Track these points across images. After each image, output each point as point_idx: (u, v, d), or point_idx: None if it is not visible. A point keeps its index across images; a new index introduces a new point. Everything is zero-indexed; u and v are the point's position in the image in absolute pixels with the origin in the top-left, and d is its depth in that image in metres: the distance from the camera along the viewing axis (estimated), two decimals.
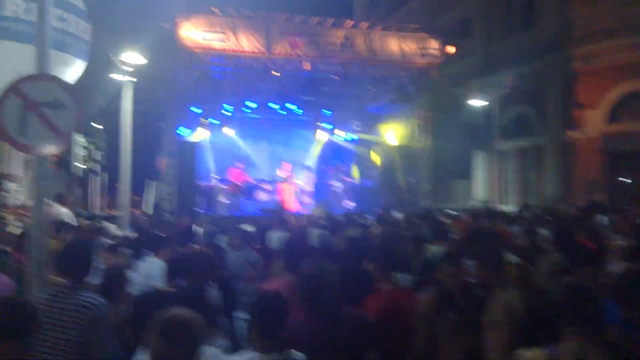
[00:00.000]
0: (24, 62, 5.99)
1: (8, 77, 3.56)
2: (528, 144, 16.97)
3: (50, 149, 3.53)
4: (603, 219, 8.10)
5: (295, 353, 2.48)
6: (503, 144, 16.73)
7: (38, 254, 3.35)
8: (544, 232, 6.04)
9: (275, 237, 6.98)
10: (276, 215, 10.40)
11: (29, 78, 3.51)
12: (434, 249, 5.13)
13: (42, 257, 3.38)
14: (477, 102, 15.55)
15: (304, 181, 17.83)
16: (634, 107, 14.56)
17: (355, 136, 19.59)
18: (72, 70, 9.57)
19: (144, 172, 14.11)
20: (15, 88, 3.40)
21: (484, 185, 18.22)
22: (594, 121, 14.89)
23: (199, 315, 2.30)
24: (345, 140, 19.69)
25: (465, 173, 17.38)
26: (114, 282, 3.72)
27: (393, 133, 18.04)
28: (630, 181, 14.68)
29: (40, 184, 3.47)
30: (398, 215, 9.88)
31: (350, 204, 17.06)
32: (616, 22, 14.33)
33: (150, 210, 14.93)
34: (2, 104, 3.36)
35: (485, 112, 15.48)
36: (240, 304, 4.96)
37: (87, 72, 10.25)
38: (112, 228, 8.50)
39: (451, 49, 15.61)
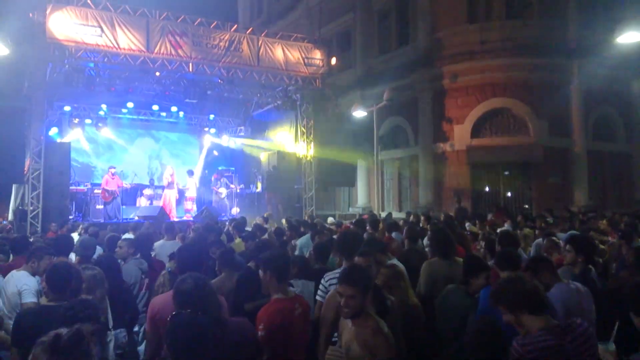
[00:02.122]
0: None
1: None
2: (404, 154, 18.08)
3: None
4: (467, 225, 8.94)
5: None
6: (382, 154, 17.64)
7: None
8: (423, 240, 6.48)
9: (162, 247, 6.71)
10: (159, 222, 9.99)
11: None
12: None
13: None
14: (358, 113, 16.24)
15: (187, 186, 17.28)
16: (493, 123, 16.20)
17: (241, 141, 19.45)
18: None
19: (6, 174, 12.78)
20: None
21: (365, 193, 19.07)
22: (460, 135, 16.29)
23: (89, 329, 2.15)
24: (232, 145, 19.48)
25: (349, 181, 18.07)
26: None
27: (278, 139, 18.23)
28: (488, 189, 16.29)
29: None
30: (285, 221, 10.00)
31: (235, 211, 16.88)
32: (478, 46, 15.85)
33: (11, 217, 13.53)
34: None
35: (366, 123, 16.23)
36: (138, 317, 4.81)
37: None
38: None
39: (333, 60, 16.19)
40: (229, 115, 18.84)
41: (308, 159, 16.59)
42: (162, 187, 16.51)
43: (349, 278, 3.10)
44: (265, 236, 7.74)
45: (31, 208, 12.40)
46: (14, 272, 4.35)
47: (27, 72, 13.10)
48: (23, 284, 4.19)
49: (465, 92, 16.33)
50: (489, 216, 10.48)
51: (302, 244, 7.21)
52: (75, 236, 6.91)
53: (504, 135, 15.96)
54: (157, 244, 7.08)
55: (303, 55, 15.35)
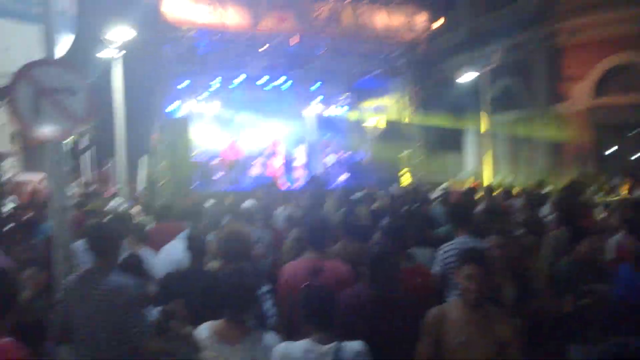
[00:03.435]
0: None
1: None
2: (516, 117, 17.14)
3: (64, 135, 3.54)
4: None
5: (350, 343, 2.53)
6: (492, 117, 16.89)
7: (62, 239, 3.39)
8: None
9: (280, 214, 7.05)
10: (272, 191, 10.43)
11: (39, 63, 3.48)
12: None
13: (65, 241, 3.42)
14: (465, 76, 15.61)
15: (296, 156, 17.84)
16: (619, 80, 14.77)
17: (345, 110, 19.58)
18: (59, 45, 9.38)
19: (136, 148, 13.99)
20: (25, 74, 3.37)
21: (474, 159, 18.44)
22: (581, 94, 15.08)
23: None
24: (337, 114, 19.67)
25: (457, 146, 17.57)
26: (134, 262, 3.80)
27: (383, 107, 18.08)
28: (613, 152, 15.02)
29: (57, 169, 3.48)
30: (395, 188, 10.01)
31: (343, 178, 17.14)
32: None
33: (144, 186, 14.89)
34: (14, 90, 3.35)
35: (474, 86, 15.58)
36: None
37: (74, 48, 10.07)
38: (114, 204, 8.51)
39: (438, 23, 15.59)
40: (333, 85, 18.95)
41: (414, 125, 16.32)
42: (269, 156, 17.21)
43: (478, 257, 2.79)
44: (376, 205, 7.86)
45: (159, 178, 13.59)
46: (173, 242, 4.85)
47: (149, 53, 14.11)
48: (176, 250, 4.65)
49: (585, 48, 14.99)
50: (617, 182, 9.70)
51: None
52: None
53: (631, 93, 14.52)
54: (276, 211, 7.43)
55: (406, 20, 14.95)
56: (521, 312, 3.11)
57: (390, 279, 3.10)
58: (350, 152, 18.25)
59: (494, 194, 8.10)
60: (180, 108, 16.78)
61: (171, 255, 4.68)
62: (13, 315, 2.51)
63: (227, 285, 2.80)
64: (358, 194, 8.84)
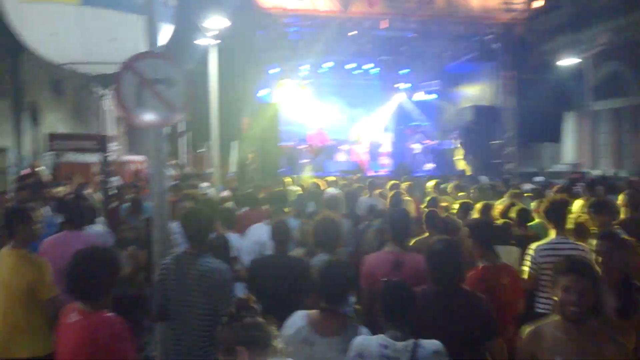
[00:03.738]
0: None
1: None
2: (623, 104, 15.81)
3: (164, 123, 3.77)
4: None
5: (427, 342, 2.50)
6: (595, 105, 15.70)
7: (160, 221, 3.64)
8: None
9: (363, 202, 7.07)
10: (358, 177, 10.45)
11: (143, 56, 3.73)
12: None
13: (163, 222, 3.67)
14: (566, 60, 14.59)
15: (382, 142, 17.72)
16: None
17: (434, 96, 19.08)
18: (160, 35, 9.88)
19: (227, 132, 14.54)
20: (131, 66, 3.62)
21: (574, 148, 17.29)
22: None
23: None
24: (424, 100, 19.24)
25: (553, 135, 16.53)
26: (221, 244, 3.99)
27: (474, 92, 17.39)
28: None
29: (156, 154, 3.73)
30: (485, 179, 9.64)
31: (430, 166, 16.81)
32: None
33: (236, 169, 15.48)
34: (120, 80, 3.61)
35: (576, 71, 14.51)
36: None
37: (174, 37, 10.57)
38: (206, 188, 8.94)
39: (538, 3, 14.65)
40: (423, 69, 18.53)
41: (508, 112, 15.55)
42: (355, 143, 17.23)
43: (583, 267, 2.47)
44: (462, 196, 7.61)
45: (248, 163, 14.10)
46: (256, 224, 5.06)
47: (241, 40, 14.56)
48: (262, 235, 4.83)
49: None
50: None
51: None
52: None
53: None
54: (361, 199, 7.46)
55: (503, 0, 14.21)
56: (626, 328, 2.85)
57: (451, 276, 3.00)
58: (438, 140, 17.82)
59: (594, 189, 7.55)
60: (270, 94, 17.22)
61: (256, 237, 4.85)
62: (116, 291, 2.71)
63: (325, 275, 2.79)
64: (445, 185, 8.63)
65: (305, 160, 16.53)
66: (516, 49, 15.31)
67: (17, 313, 3.59)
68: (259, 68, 15.30)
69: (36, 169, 12.35)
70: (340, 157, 17.23)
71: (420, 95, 19.20)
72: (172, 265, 3.39)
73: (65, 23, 6.80)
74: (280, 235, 4.09)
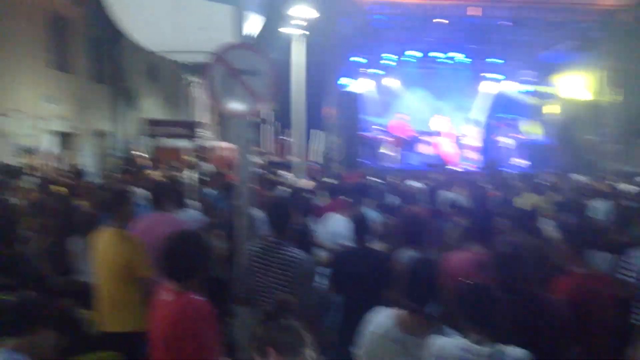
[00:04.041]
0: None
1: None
2: None
3: (249, 112, 3.88)
4: None
5: (513, 350, 2.38)
6: None
7: (244, 208, 3.76)
8: None
9: (444, 196, 6.88)
10: (442, 170, 10.19)
11: (232, 47, 3.85)
12: None
13: (247, 209, 3.79)
14: None
15: (470, 135, 17.11)
16: None
17: (527, 88, 18.10)
18: (250, 26, 10.12)
19: (309, 121, 14.72)
20: (220, 57, 3.75)
21: None
22: None
23: None
24: (516, 92, 18.30)
25: None
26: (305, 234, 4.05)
27: (573, 85, 16.27)
28: None
29: (242, 143, 3.85)
30: (580, 178, 9.06)
31: (522, 162, 16.02)
32: None
33: (318, 159, 15.66)
34: (210, 71, 3.76)
35: None
36: None
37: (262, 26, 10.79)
38: (289, 177, 9.11)
39: None
40: (513, 59, 17.60)
41: (609, 106, 14.42)
42: (440, 135, 16.78)
43: None
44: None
45: (332, 153, 14.21)
46: (332, 214, 5.09)
47: (326, 29, 14.61)
48: (338, 226, 4.86)
49: None
50: None
51: (600, 208, 6.43)
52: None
53: None
54: (441, 193, 7.26)
55: None
56: None
57: (523, 280, 2.83)
58: (530, 134, 16.92)
59: None
60: (353, 83, 17.18)
61: (332, 227, 4.86)
62: (203, 275, 2.82)
63: (414, 273, 2.71)
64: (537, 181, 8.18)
65: (385, 151, 16.38)
66: (620, 37, 14.15)
67: (115, 289, 3.85)
68: (342, 57, 15.30)
69: (136, 153, 13.18)
70: (423, 149, 16.88)
71: (512, 86, 18.27)
72: (259, 252, 3.48)
73: (160, 11, 7.15)
74: (360, 227, 4.07)
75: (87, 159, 14.09)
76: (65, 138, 13.91)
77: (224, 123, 24.08)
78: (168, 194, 4.80)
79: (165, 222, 4.29)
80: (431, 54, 16.92)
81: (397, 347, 2.62)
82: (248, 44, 3.86)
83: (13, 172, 8.20)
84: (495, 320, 2.44)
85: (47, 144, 12.79)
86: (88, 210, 5.38)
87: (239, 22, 3.96)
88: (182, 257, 2.75)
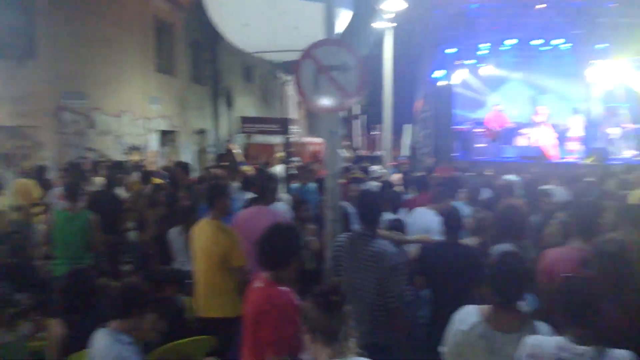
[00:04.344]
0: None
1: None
2: None
3: (339, 108, 3.93)
4: None
5: (616, 352, 2.23)
6: None
7: (333, 202, 3.84)
8: None
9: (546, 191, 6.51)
10: (541, 163, 9.68)
11: (320, 43, 3.91)
12: None
13: (336, 203, 3.86)
14: None
15: (570, 126, 16.02)
16: None
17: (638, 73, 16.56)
18: (339, 21, 10.19)
19: (400, 115, 14.58)
20: (309, 53, 3.83)
21: None
22: None
23: None
24: (626, 78, 16.81)
25: None
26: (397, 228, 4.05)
27: None
28: None
29: (331, 138, 3.91)
30: None
31: (631, 153, 14.76)
32: None
33: (407, 152, 15.50)
34: (299, 67, 3.85)
35: None
36: None
37: (352, 21, 10.82)
38: (377, 170, 9.11)
39: None
40: (623, 43, 16.18)
41: None
42: (538, 126, 15.87)
43: None
44: None
45: (421, 146, 13.96)
46: (420, 208, 5.03)
47: (417, 20, 14.33)
48: (429, 220, 4.79)
49: None
50: None
51: None
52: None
53: None
54: (540, 186, 6.86)
55: None
56: None
57: (622, 278, 2.60)
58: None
59: None
60: (446, 75, 16.72)
61: (423, 223, 4.79)
62: (294, 266, 2.92)
63: (501, 268, 2.62)
64: None
65: (481, 145, 15.78)
66: None
67: (213, 277, 4.10)
68: (434, 49, 14.94)
69: (232, 149, 13.82)
70: (521, 141, 16.06)
71: (620, 73, 16.80)
72: (346, 244, 3.53)
73: (255, 13, 7.43)
74: (451, 221, 3.98)
75: (186, 156, 15.00)
76: (168, 136, 14.88)
77: (313, 118, 24.53)
78: (265, 188, 5.00)
79: (263, 215, 4.48)
80: (532, 42, 15.99)
81: (483, 343, 2.55)
82: (337, 40, 3.91)
83: (124, 169, 8.93)
84: (597, 318, 2.29)
85: (152, 142, 13.77)
86: (187, 203, 5.74)
87: (330, 19, 4.01)
88: (277, 249, 2.85)
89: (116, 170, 8.72)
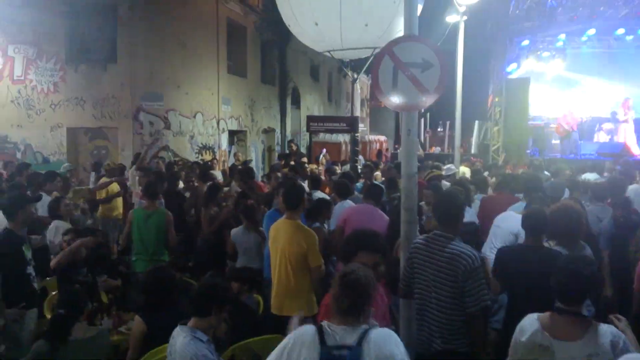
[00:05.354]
0: None
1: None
2: None
3: (417, 106, 3.79)
4: None
5: None
6: None
7: (409, 203, 3.73)
8: None
9: (637, 191, 6.07)
10: (622, 160, 9.09)
11: (400, 40, 3.79)
12: None
13: (412, 205, 3.74)
14: None
15: None
16: None
17: None
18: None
19: (470, 112, 14.14)
20: (388, 50, 3.72)
21: None
22: None
23: None
24: None
25: None
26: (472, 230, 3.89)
27: None
28: None
29: (408, 138, 3.78)
30: None
31: None
32: None
33: (475, 150, 15.04)
34: (378, 64, 3.75)
35: None
36: None
37: (426, 15, 10.53)
38: (450, 168, 8.88)
39: None
40: None
41: None
42: (621, 121, 14.84)
43: None
44: None
45: (492, 142, 13.44)
46: (510, 213, 4.83)
47: (491, 13, 13.81)
48: (509, 222, 4.58)
49: None
50: None
51: None
52: None
53: None
54: (631, 187, 6.39)
55: None
56: None
57: None
58: None
59: None
60: (520, 68, 16.04)
61: (510, 227, 4.57)
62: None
63: (560, 273, 2.52)
64: None
65: (555, 141, 15.01)
66: None
67: (291, 277, 4.11)
68: (508, 42, 14.33)
69: (294, 149, 13.93)
70: (601, 137, 15.13)
71: None
72: (423, 245, 3.42)
73: (326, 13, 7.42)
74: (536, 224, 3.74)
75: (255, 154, 15.28)
76: (237, 135, 15.21)
77: (378, 116, 24.29)
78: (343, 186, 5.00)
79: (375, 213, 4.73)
80: (614, 32, 14.99)
81: (543, 352, 2.43)
82: (417, 36, 3.76)
83: (199, 169, 9.14)
84: None
85: (223, 141, 14.11)
86: (252, 202, 5.83)
87: (411, 14, 3.89)
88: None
89: (188, 169, 8.99)
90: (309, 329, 2.26)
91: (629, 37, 15.33)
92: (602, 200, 5.52)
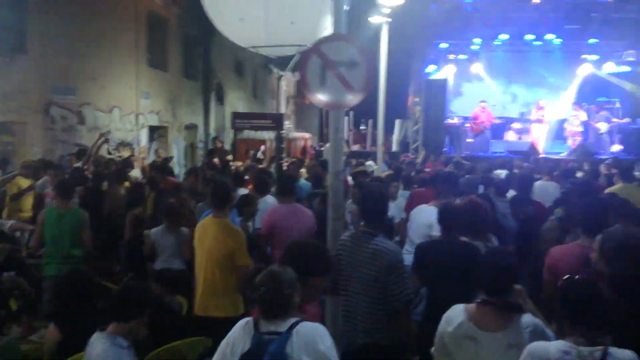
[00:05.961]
0: None
1: None
2: None
3: (345, 104, 3.84)
4: None
5: (619, 351, 2.17)
6: None
7: (336, 200, 3.77)
8: None
9: (542, 188, 6.48)
10: (528, 158, 9.72)
11: (328, 39, 3.82)
12: None
13: (339, 201, 3.79)
14: None
15: (569, 121, 16.07)
16: None
17: (627, 68, 16.70)
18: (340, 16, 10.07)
19: (392, 110, 14.53)
20: (316, 48, 3.74)
21: None
22: None
23: None
24: (614, 73, 16.94)
25: None
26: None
27: None
28: None
29: (336, 136, 3.83)
30: None
31: (617, 148, 14.91)
32: None
33: (396, 147, 15.48)
34: (306, 62, 3.76)
35: None
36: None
37: (350, 16, 10.67)
38: (374, 167, 9.06)
39: None
40: (615, 38, 16.26)
41: None
42: (531, 122, 15.93)
43: None
44: None
45: (411, 141, 13.94)
46: (424, 206, 4.97)
47: (412, 15, 14.25)
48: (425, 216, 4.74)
49: None
50: None
51: None
52: None
53: None
54: (537, 184, 6.82)
55: None
56: None
57: (627, 275, 2.61)
58: (628, 119, 15.64)
59: None
60: (438, 70, 16.70)
61: (424, 220, 4.74)
62: None
63: (483, 265, 2.64)
64: None
65: (469, 140, 15.81)
66: None
67: (216, 276, 4.02)
68: (428, 44, 14.91)
69: (219, 146, 13.67)
70: (510, 136, 16.13)
71: (609, 67, 16.93)
72: (348, 242, 3.46)
73: (251, 8, 7.31)
74: (448, 218, 3.90)
75: (176, 151, 14.81)
76: (157, 131, 14.67)
77: (303, 114, 24.37)
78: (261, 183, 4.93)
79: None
80: (526, 36, 15.98)
81: (469, 343, 2.52)
82: (345, 35, 3.80)
83: (116, 166, 8.72)
84: (602, 320, 2.23)
85: (143, 137, 13.56)
86: (173, 201, 5.67)
87: (339, 13, 3.92)
88: None
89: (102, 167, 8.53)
90: (246, 319, 2.35)
91: (538, 42, 16.43)
92: (503, 195, 5.80)
